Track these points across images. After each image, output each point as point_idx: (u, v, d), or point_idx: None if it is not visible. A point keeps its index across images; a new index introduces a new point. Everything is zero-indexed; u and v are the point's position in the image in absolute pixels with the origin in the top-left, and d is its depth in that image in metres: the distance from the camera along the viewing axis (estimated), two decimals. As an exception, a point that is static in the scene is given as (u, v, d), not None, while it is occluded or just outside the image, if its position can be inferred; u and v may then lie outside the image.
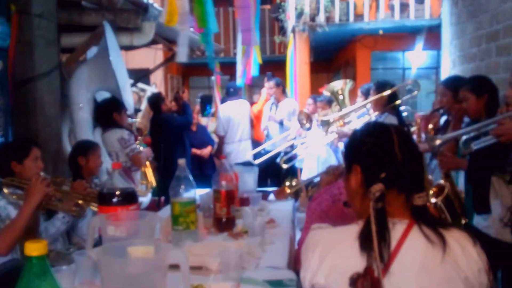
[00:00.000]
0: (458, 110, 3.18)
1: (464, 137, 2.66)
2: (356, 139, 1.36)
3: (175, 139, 5.40)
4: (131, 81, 5.76)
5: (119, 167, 1.90)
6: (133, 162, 4.19)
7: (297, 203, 5.88)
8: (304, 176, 5.57)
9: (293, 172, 5.92)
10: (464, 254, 1.19)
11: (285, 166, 4.51)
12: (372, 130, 1.35)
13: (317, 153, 5.42)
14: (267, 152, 5.50)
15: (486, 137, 2.54)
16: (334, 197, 1.92)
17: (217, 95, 8.42)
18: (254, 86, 9.67)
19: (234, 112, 6.07)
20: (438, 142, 2.70)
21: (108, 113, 4.22)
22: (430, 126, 3.44)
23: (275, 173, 5.96)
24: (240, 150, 5.98)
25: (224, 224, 2.34)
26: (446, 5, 6.33)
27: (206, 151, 6.04)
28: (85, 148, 3.24)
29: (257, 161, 4.89)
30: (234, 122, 6.02)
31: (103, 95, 4.45)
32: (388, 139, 1.27)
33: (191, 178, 2.13)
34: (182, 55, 4.43)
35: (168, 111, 5.56)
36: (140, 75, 7.60)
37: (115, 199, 1.77)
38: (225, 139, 6.07)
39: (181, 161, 2.14)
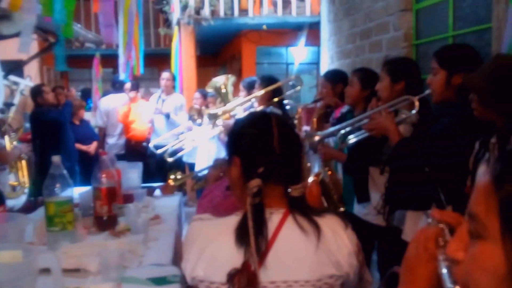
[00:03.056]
0: (335, 102, 3.36)
1: (341, 132, 2.79)
2: (237, 130, 1.34)
3: (50, 135, 5.12)
4: (2, 73, 5.31)
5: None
6: None
7: (186, 198, 5.84)
8: (197, 171, 5.54)
9: (180, 167, 5.85)
10: (335, 239, 1.23)
11: (170, 159, 4.40)
12: (253, 121, 1.34)
13: (207, 147, 5.41)
14: (157, 148, 5.37)
15: (359, 131, 2.69)
16: (225, 193, 1.88)
17: (95, 88, 8.15)
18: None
19: (114, 105, 6.12)
20: (317, 138, 2.79)
21: None
22: (314, 119, 3.59)
23: (162, 168, 5.86)
24: (120, 143, 6.13)
25: (105, 223, 2.24)
26: (324, 3, 6.60)
27: (92, 147, 5.86)
28: None
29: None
30: (114, 115, 6.09)
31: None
32: (268, 132, 1.27)
33: (67, 175, 2.01)
34: (25, 45, 3.87)
35: (46, 105, 5.24)
36: (12, 67, 7.05)
37: (-22, 202, 1.62)
38: (106, 132, 6.15)
39: (56, 158, 2.00)
